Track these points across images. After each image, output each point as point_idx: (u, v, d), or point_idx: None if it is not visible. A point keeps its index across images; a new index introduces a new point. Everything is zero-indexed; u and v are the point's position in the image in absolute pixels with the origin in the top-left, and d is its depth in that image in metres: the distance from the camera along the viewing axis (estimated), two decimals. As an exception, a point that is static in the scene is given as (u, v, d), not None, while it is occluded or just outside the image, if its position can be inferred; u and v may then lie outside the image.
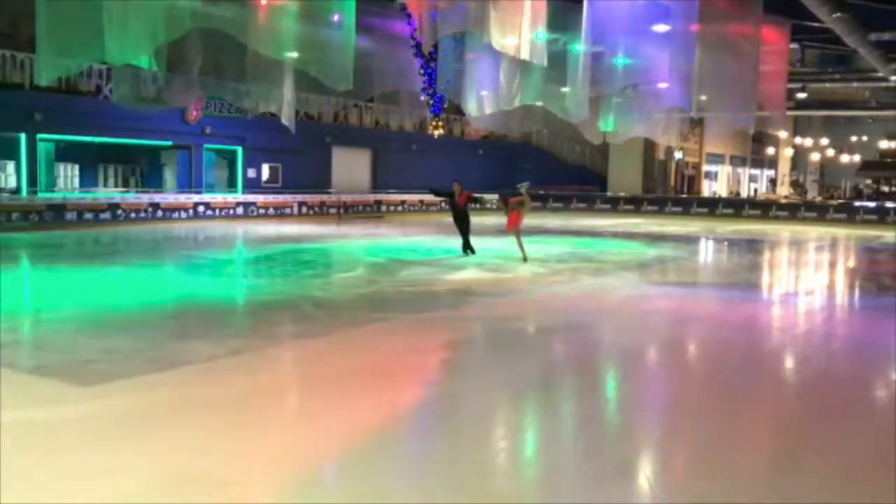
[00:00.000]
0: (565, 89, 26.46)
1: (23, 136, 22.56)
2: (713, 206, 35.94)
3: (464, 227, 16.31)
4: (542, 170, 40.32)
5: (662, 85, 26.76)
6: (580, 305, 10.77)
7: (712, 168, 45.12)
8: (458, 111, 31.17)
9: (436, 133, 27.48)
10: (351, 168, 33.53)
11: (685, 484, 4.53)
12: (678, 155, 40.62)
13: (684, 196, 39.38)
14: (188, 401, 5.85)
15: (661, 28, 22.92)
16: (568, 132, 35.40)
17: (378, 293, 11.52)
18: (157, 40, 16.47)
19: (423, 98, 25.61)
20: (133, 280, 12.41)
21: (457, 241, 16.73)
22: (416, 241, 19.97)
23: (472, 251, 16.10)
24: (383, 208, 32.55)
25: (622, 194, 37.98)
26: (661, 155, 39.99)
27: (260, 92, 22.71)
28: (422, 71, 23.54)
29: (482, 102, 25.59)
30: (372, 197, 32.84)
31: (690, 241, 22.96)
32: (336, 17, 19.62)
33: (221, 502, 4.12)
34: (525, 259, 15.15)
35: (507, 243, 19.47)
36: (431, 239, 20.49)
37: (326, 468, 4.72)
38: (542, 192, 39.06)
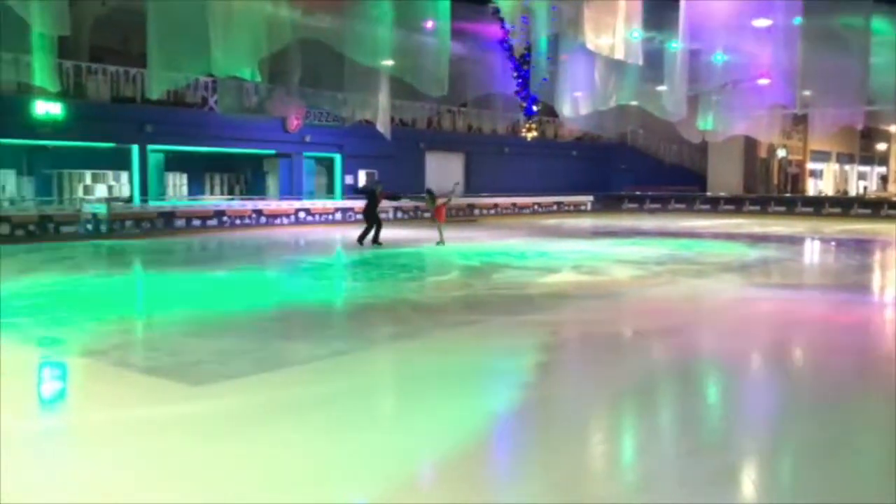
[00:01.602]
0: (662, 88, 26.01)
1: (135, 148, 23.75)
2: (819, 206, 34.54)
3: (378, 222, 18.33)
4: (638, 170, 39.68)
5: (763, 81, 25.96)
6: (680, 308, 10.55)
7: (817, 166, 43.36)
8: (552, 113, 31.04)
9: (529, 135, 27.47)
10: (444, 172, 33.81)
11: (792, 494, 4.40)
12: (781, 153, 39.22)
13: (788, 195, 37.99)
14: (293, 401, 6.05)
15: (762, 23, 22.23)
16: (665, 131, 34.75)
17: (472, 296, 11.58)
18: (260, 52, 17.11)
19: (517, 101, 25.61)
20: (238, 283, 12.89)
21: (549, 245, 16.64)
22: (509, 244, 19.95)
23: (379, 244, 17.95)
24: (476, 212, 32.64)
25: (722, 194, 36.95)
26: (763, 153, 38.71)
27: (357, 100, 23.27)
28: (515, 74, 23.57)
29: (576, 103, 25.42)
30: (465, 201, 32.99)
31: (795, 241, 22.12)
32: (430, 24, 19.89)
33: (323, 501, 4.26)
34: (443, 242, 18.14)
35: (604, 246, 19.26)
36: (525, 242, 20.43)
37: (426, 469, 4.80)
38: (638, 192, 38.48)
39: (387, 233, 19.56)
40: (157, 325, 9.39)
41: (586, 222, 30.09)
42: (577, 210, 36.91)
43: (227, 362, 7.18)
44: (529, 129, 27.50)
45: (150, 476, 4.52)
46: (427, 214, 20.99)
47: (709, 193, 37.51)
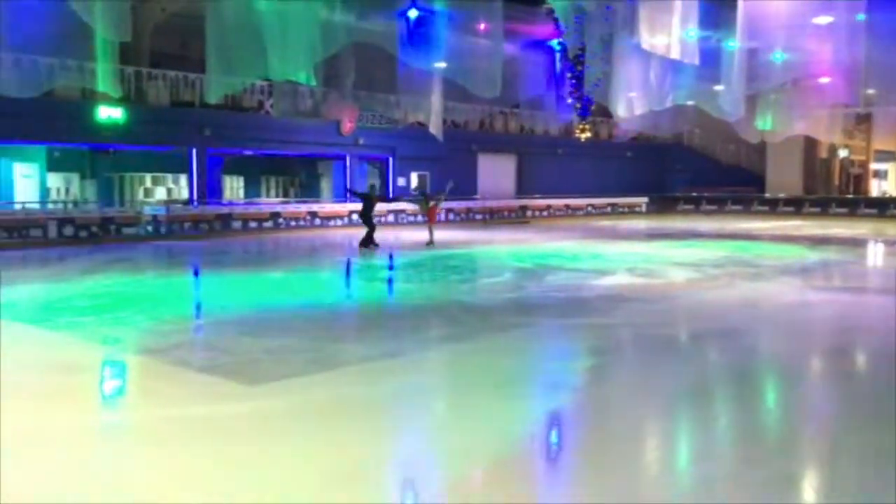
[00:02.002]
0: (719, 87, 25.57)
1: (193, 151, 24.25)
2: (883, 207, 33.49)
3: (372, 224, 18.33)
4: (695, 171, 39.05)
5: (824, 79, 25.33)
6: (737, 312, 10.33)
7: (881, 166, 42.05)
8: (606, 113, 30.76)
9: (583, 136, 27.29)
10: (496, 174, 33.76)
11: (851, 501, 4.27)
12: (843, 153, 38.19)
13: (850, 196, 36.94)
14: (347, 401, 6.10)
15: (822, 20, 21.66)
16: (722, 131, 34.14)
17: (525, 298, 11.54)
18: (315, 56, 17.38)
19: (569, 101, 25.44)
20: (293, 284, 13.06)
21: (603, 247, 16.47)
22: (563, 246, 19.81)
23: (377, 245, 17.99)
24: (528, 213, 32.51)
25: (781, 195, 36.12)
26: (823, 153, 37.73)
27: (409, 102, 23.43)
28: (569, 74, 23.43)
29: (631, 104, 25.17)
30: (517, 202, 32.87)
31: (858, 244, 21.51)
32: (483, 26, 19.92)
33: (380, 501, 4.28)
34: (432, 244, 18.44)
35: (659, 248, 19.00)
36: (578, 244, 20.28)
37: (479, 470, 4.79)
38: (694, 193, 37.86)
39: (438, 234, 19.68)
40: (214, 324, 9.56)
41: (641, 224, 29.73)
42: (631, 211, 36.48)
43: (283, 362, 7.29)
44: (583, 130, 27.31)
45: (205, 475, 4.60)
46: (420, 218, 21.12)
47: (767, 195, 36.70)
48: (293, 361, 7.29)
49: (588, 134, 28.32)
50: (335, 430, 5.34)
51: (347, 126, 27.08)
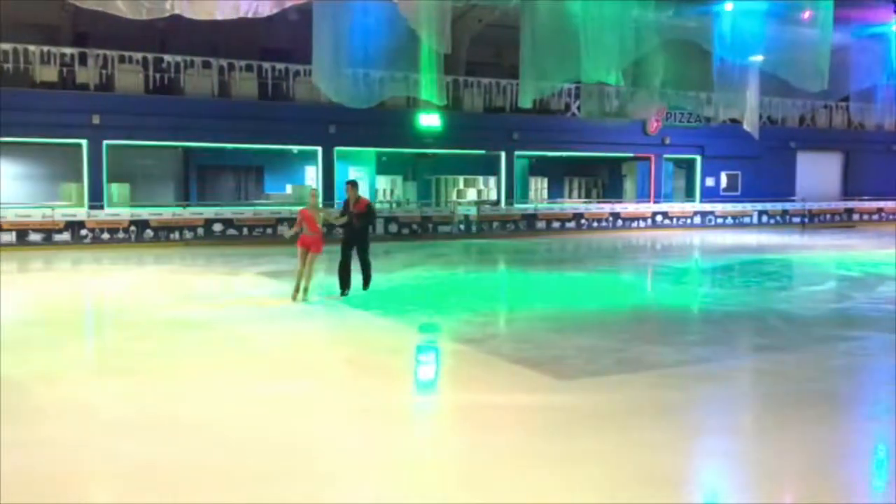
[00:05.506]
0: None
1: (502, 154, 25.35)
2: None
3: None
4: None
5: None
6: None
7: None
8: (957, 104, 26.95)
9: (925, 131, 24.13)
10: (817, 174, 31.07)
11: None
12: None
13: None
14: (658, 403, 6.05)
15: None
16: None
17: (852, 309, 10.57)
18: (627, 57, 17.28)
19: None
20: (596, 284, 13.18)
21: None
22: (898, 253, 17.75)
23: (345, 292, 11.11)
24: (855, 217, 29.56)
25: None
26: None
27: (722, 99, 22.44)
28: (909, 63, 20.85)
29: None
30: (842, 205, 30.05)
31: None
32: (807, 14, 18.45)
33: (686, 502, 4.22)
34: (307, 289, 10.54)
35: None
36: (917, 252, 18.02)
37: (784, 483, 4.53)
38: None
39: (749, 238, 18.52)
40: (523, 319, 9.97)
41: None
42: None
43: (590, 359, 7.42)
44: (926, 124, 24.11)
45: (514, 463, 4.79)
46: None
47: None
48: (601, 360, 7.39)
49: (932, 128, 24.97)
50: (646, 431, 5.33)
51: (654, 125, 26.57)
